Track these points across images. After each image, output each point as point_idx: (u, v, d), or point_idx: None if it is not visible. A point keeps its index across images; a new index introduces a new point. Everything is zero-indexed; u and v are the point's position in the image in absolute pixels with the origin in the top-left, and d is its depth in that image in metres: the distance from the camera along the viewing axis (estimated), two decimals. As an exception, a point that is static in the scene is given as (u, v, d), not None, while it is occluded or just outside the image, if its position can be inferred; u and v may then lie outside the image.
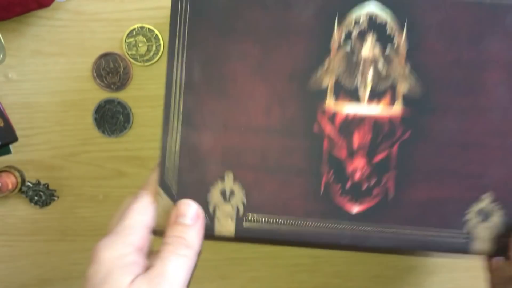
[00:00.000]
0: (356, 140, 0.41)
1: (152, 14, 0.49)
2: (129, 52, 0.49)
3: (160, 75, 0.50)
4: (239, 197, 0.41)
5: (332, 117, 0.41)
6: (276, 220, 0.42)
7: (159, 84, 0.50)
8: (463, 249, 0.40)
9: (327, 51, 0.41)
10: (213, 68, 0.41)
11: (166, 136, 0.40)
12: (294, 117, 0.41)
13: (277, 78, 0.41)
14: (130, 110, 0.50)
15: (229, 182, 0.41)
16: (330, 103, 0.41)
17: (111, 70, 0.49)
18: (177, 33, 0.41)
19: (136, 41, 0.49)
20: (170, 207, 0.40)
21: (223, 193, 0.41)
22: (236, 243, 0.54)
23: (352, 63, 0.40)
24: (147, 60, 0.49)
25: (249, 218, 0.42)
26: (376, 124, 0.41)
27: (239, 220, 0.41)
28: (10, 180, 0.49)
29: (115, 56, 0.49)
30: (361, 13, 0.40)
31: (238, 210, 0.41)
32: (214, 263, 0.54)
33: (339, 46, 0.41)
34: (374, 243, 0.42)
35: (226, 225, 0.41)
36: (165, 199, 0.40)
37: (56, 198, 0.52)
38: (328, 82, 0.41)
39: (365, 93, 0.40)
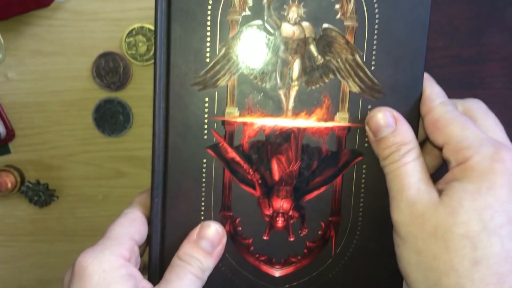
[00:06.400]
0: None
1: (152, 14, 0.49)
2: (129, 52, 0.49)
3: (160, 74, 0.50)
4: None
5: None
6: None
7: (159, 84, 0.50)
8: None
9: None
10: None
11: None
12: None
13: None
14: (130, 109, 0.50)
15: None
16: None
17: (110, 70, 0.49)
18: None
19: (135, 40, 0.49)
20: None
21: None
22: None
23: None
24: (147, 60, 0.49)
25: None
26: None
27: None
28: (9, 180, 0.49)
29: (114, 55, 0.49)
30: None
31: None
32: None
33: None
34: None
35: None
36: None
37: (55, 198, 0.52)
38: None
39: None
